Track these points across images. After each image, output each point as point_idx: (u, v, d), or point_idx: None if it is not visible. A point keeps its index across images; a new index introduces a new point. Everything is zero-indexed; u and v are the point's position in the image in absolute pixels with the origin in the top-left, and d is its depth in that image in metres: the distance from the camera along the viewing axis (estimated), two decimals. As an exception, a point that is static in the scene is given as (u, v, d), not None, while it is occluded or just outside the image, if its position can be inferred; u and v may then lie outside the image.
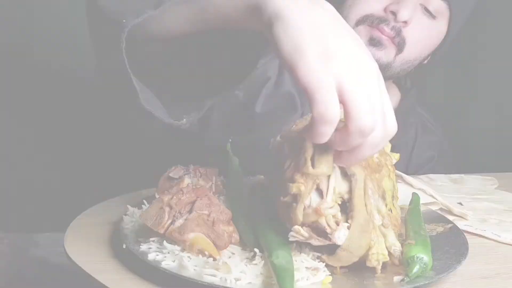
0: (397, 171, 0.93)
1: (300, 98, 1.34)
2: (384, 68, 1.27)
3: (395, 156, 0.90)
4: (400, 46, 1.26)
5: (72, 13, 1.34)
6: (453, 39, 1.38)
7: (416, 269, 0.73)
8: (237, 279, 0.69)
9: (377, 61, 1.24)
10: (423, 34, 1.28)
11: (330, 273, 0.73)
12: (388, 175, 0.84)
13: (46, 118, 1.77)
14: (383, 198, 0.77)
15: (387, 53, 1.27)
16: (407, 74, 1.38)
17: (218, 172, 0.92)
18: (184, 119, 0.93)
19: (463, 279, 0.78)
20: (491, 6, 1.79)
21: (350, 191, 0.72)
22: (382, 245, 0.73)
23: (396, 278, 0.73)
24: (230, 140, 0.99)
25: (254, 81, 1.31)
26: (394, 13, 1.24)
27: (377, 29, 1.25)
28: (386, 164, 0.84)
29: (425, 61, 1.38)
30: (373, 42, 1.26)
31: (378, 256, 0.72)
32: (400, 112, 1.42)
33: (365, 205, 0.73)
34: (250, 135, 1.35)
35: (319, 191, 0.72)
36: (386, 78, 1.31)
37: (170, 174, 0.88)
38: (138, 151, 1.87)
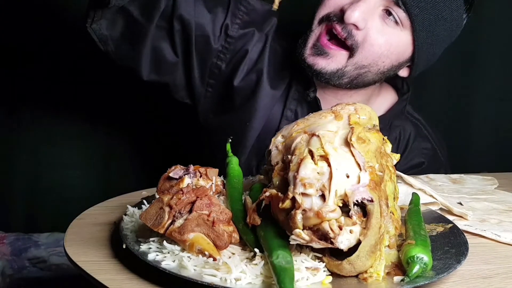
0: (397, 172, 0.93)
1: (268, 76, 1.36)
2: (335, 75, 1.27)
3: (395, 157, 0.90)
4: (352, 49, 1.24)
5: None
6: (436, 56, 1.34)
7: (416, 269, 0.73)
8: (237, 279, 0.69)
9: (321, 69, 1.26)
10: (380, 40, 1.24)
11: (330, 273, 0.73)
12: (389, 178, 0.84)
13: (45, 119, 1.77)
14: (391, 211, 0.79)
15: (335, 61, 1.26)
16: (380, 79, 1.34)
17: (218, 172, 0.92)
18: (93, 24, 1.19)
19: (463, 279, 0.78)
20: (490, 9, 1.79)
21: (368, 213, 0.73)
22: (382, 266, 0.74)
23: (396, 278, 0.73)
24: (230, 140, 0.99)
25: (235, 52, 1.34)
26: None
27: (331, 27, 1.24)
28: (387, 166, 0.84)
29: (402, 72, 1.34)
30: (317, 51, 1.26)
31: (372, 274, 0.73)
32: (389, 114, 1.42)
33: (380, 226, 0.73)
34: (231, 115, 1.37)
35: (320, 194, 0.72)
36: (343, 86, 1.30)
37: (170, 174, 0.88)
38: (138, 151, 1.87)
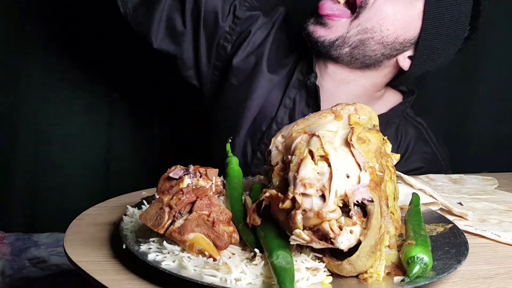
0: (397, 172, 0.93)
1: (267, 60, 1.38)
2: (334, 44, 1.29)
3: (396, 157, 0.90)
4: (360, 7, 1.26)
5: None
6: (438, 52, 1.34)
7: (416, 269, 0.73)
8: (237, 280, 0.69)
9: (319, 37, 1.28)
10: (389, 5, 1.26)
11: (330, 273, 0.73)
12: (389, 178, 0.84)
13: (45, 119, 1.77)
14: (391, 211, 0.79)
15: (335, 31, 1.28)
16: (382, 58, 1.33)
17: (218, 172, 0.92)
18: None
19: (463, 279, 0.78)
20: (490, 11, 1.79)
21: (369, 213, 0.73)
22: (382, 266, 0.74)
23: (397, 279, 0.73)
24: (230, 140, 0.99)
25: (240, 33, 1.38)
26: None
27: None
28: (387, 166, 0.84)
29: (402, 61, 1.33)
30: (318, 21, 1.29)
31: (372, 275, 0.73)
32: (390, 113, 1.41)
33: (380, 226, 0.73)
34: (229, 95, 1.39)
35: (321, 195, 0.72)
36: (344, 58, 1.30)
37: (170, 174, 0.88)
38: (138, 151, 1.87)
